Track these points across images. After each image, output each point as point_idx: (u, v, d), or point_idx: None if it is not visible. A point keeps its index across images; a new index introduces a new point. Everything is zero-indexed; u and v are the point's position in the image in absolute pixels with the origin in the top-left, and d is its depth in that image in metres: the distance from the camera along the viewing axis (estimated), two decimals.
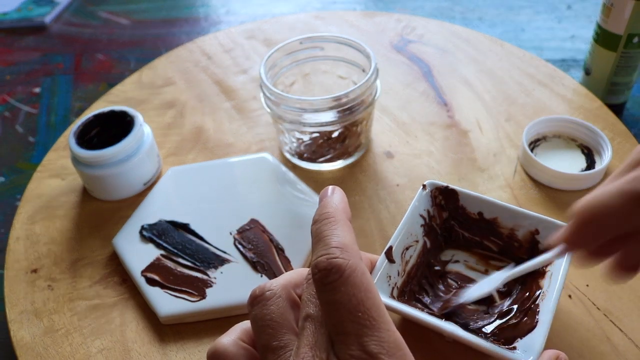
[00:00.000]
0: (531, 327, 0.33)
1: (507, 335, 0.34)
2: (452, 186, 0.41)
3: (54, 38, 0.82)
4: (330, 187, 0.30)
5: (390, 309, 0.34)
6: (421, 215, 0.41)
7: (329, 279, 0.23)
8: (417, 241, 0.40)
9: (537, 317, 0.34)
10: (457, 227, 0.42)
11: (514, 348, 0.32)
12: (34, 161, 0.60)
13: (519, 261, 0.40)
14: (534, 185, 0.49)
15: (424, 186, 0.41)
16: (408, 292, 0.39)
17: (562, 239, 0.28)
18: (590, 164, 0.50)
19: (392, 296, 0.36)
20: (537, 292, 0.36)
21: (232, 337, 0.28)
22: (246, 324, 0.29)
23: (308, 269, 0.27)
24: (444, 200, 0.42)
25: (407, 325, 0.38)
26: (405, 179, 0.51)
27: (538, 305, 0.34)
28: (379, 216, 0.48)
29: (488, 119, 0.57)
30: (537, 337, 0.32)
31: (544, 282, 0.36)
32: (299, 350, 0.24)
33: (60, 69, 0.75)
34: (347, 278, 0.23)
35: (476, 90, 0.61)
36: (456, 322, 0.35)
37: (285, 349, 0.25)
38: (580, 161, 0.50)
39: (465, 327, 0.35)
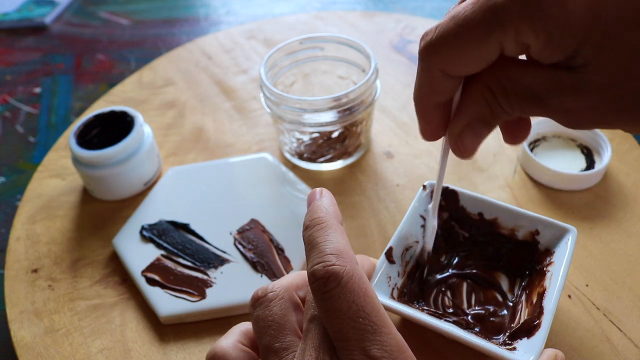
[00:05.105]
0: (538, 326, 0.33)
1: (515, 337, 0.34)
2: (452, 187, 0.41)
3: (54, 38, 0.82)
4: (318, 189, 0.29)
5: (390, 309, 0.34)
6: (421, 216, 0.41)
7: (327, 287, 0.23)
8: (417, 242, 0.40)
9: (542, 317, 0.33)
10: (457, 227, 0.42)
11: (514, 348, 0.32)
12: (34, 161, 0.60)
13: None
14: (533, 185, 0.49)
15: (424, 187, 0.41)
16: (408, 292, 0.39)
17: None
18: (590, 164, 0.50)
19: (392, 297, 0.36)
20: (542, 292, 0.35)
21: (231, 339, 0.28)
22: (244, 326, 0.29)
23: None
24: (444, 200, 0.42)
25: (408, 326, 0.38)
26: (405, 179, 0.51)
27: (543, 307, 0.34)
28: (379, 216, 0.48)
29: None
30: (537, 337, 0.32)
31: (546, 283, 0.36)
32: (304, 352, 0.24)
33: (60, 69, 0.75)
34: (345, 285, 0.23)
35: None
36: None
37: (288, 351, 0.25)
38: (580, 161, 0.50)
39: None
